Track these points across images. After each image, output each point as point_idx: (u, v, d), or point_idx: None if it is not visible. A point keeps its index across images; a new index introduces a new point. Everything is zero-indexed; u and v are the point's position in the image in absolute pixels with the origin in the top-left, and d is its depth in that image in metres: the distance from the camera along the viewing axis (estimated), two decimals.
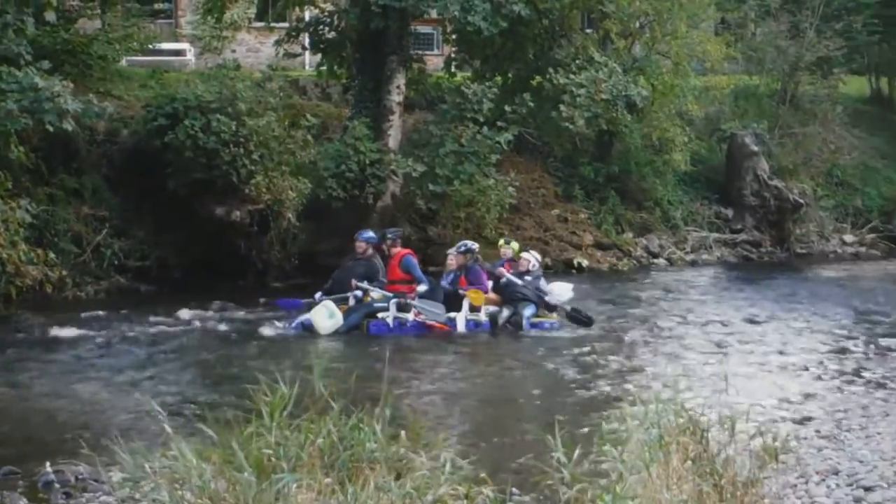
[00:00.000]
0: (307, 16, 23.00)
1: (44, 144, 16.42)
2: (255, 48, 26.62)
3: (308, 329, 13.40)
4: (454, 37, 21.93)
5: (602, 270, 21.21)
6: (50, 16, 17.59)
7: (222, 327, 13.87)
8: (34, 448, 8.14)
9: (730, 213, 25.26)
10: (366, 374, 8.77)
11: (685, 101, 23.62)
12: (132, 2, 22.60)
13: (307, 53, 23.32)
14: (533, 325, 13.97)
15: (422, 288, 13.91)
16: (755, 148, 25.09)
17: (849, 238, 26.31)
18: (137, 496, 5.02)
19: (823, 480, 7.31)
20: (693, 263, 23.01)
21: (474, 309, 13.86)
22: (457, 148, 18.60)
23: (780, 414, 9.48)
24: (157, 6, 26.24)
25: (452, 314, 13.71)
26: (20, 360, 11.86)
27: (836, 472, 7.53)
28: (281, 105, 18.36)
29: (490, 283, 14.36)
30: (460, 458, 5.37)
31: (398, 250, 14.31)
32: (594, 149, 23.89)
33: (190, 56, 24.48)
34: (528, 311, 14.01)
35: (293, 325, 13.56)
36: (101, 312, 14.69)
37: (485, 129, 18.86)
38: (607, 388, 10.67)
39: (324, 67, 21.93)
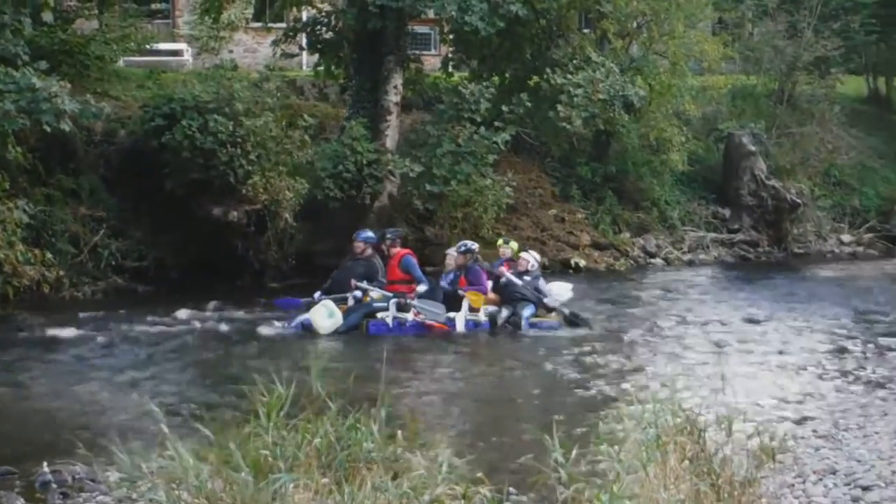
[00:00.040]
0: (304, 16, 22.97)
1: (41, 145, 16.39)
2: (252, 48, 26.60)
3: (307, 329, 13.41)
4: (451, 37, 21.91)
5: (599, 270, 21.19)
6: (47, 16, 17.60)
7: (221, 327, 13.85)
8: (31, 448, 8.12)
9: (727, 212, 25.19)
10: (364, 373, 8.76)
11: (682, 100, 23.58)
12: (129, 2, 22.57)
13: (304, 54, 23.27)
14: (532, 326, 13.99)
15: (422, 288, 13.92)
16: (752, 148, 25.04)
17: (846, 238, 26.26)
18: (134, 496, 5.03)
19: (821, 480, 7.30)
20: (690, 263, 22.96)
21: (473, 309, 13.88)
22: (454, 148, 18.59)
23: (778, 413, 9.49)
24: (154, 6, 26.17)
25: (452, 314, 13.72)
26: (18, 359, 11.85)
27: (834, 472, 7.53)
28: (278, 105, 18.33)
29: (490, 283, 14.38)
30: (457, 458, 5.36)
31: (398, 250, 14.32)
32: (591, 149, 23.85)
33: (187, 56, 24.42)
34: (526, 311, 14.02)
35: (293, 324, 13.56)
36: (99, 313, 14.67)
37: (482, 129, 18.86)
38: (605, 388, 10.66)
39: (321, 68, 21.88)
